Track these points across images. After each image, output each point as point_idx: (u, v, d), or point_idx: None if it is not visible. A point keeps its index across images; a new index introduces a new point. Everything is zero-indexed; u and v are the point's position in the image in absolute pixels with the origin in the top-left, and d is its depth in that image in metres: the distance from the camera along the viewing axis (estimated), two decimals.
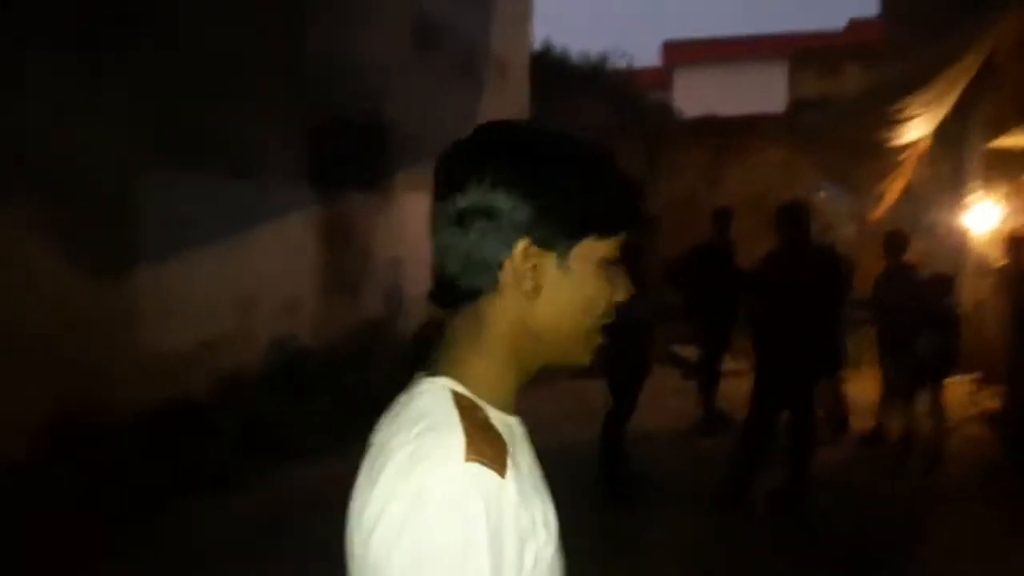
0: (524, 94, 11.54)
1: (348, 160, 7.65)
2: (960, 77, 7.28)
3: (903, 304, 6.15)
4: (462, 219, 0.83)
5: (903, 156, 8.17)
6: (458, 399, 0.83)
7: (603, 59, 19.08)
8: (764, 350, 4.93)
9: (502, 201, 0.82)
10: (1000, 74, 7.40)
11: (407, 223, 8.71)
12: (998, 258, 7.91)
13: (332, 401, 6.66)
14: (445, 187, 0.85)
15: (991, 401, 7.38)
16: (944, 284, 6.23)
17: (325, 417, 6.42)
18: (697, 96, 17.58)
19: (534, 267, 0.84)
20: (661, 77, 20.64)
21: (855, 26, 18.51)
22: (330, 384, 6.87)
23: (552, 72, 16.70)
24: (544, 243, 0.84)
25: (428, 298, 0.90)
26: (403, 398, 0.88)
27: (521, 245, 0.83)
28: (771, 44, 17.21)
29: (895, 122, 7.43)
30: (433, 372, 0.88)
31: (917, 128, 7.90)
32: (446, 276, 0.86)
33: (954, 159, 9.05)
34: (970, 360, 8.68)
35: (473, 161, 0.84)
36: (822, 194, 8.35)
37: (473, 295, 0.86)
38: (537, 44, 17.47)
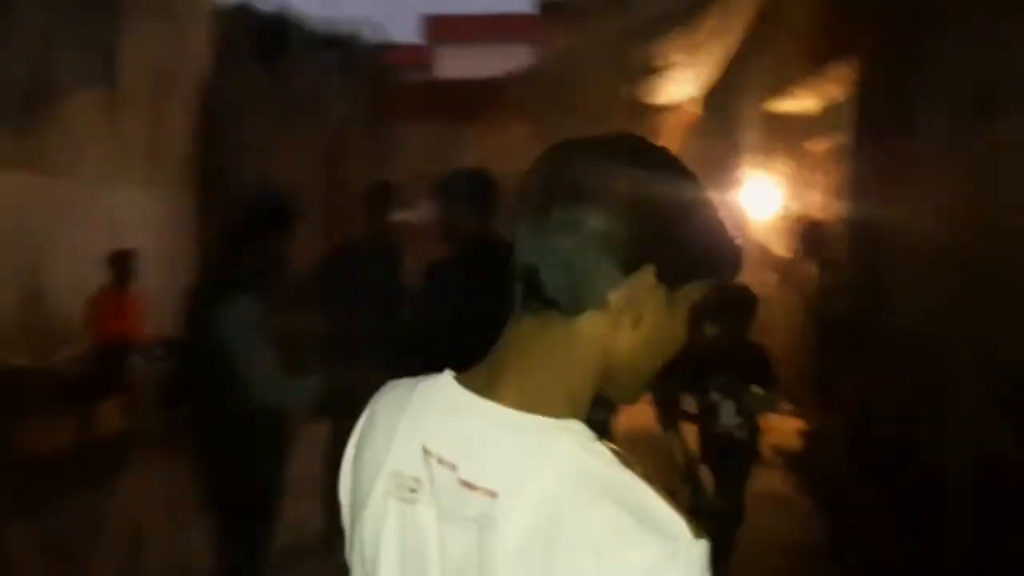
0: (200, 47, 8.80)
1: None
2: (730, 20, 5.60)
3: None
4: (583, 230, 0.76)
5: (664, 120, 6.43)
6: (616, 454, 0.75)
7: (354, 30, 17.08)
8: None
9: (629, 223, 0.76)
10: (779, 20, 5.77)
11: None
12: (786, 246, 6.34)
13: None
14: (567, 195, 0.77)
15: (789, 425, 5.59)
16: None
17: None
18: (459, 73, 15.76)
19: (646, 298, 0.80)
20: (421, 54, 18.75)
21: None
22: None
23: (283, 35, 14.65)
24: (664, 276, 0.79)
25: (527, 300, 0.79)
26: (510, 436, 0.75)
27: (647, 272, 0.79)
28: (535, 21, 15.93)
29: (650, 72, 5.64)
30: (506, 398, 0.77)
31: (680, 85, 6.19)
32: (552, 284, 0.78)
33: (729, 127, 7.52)
34: None
35: (603, 174, 0.77)
36: None
37: (573, 310, 0.78)
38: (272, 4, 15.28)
